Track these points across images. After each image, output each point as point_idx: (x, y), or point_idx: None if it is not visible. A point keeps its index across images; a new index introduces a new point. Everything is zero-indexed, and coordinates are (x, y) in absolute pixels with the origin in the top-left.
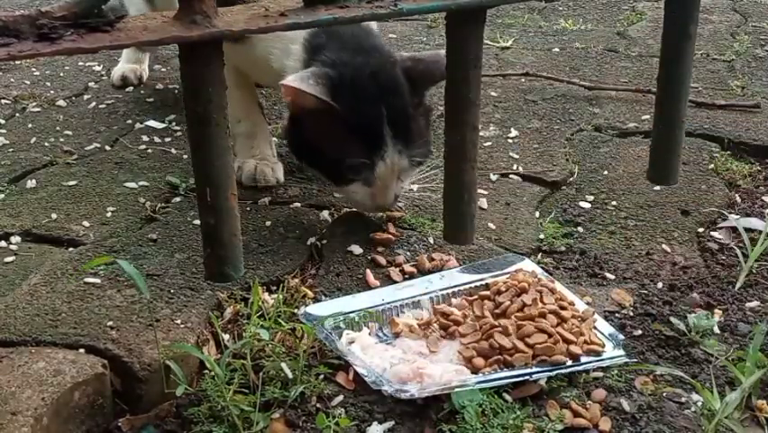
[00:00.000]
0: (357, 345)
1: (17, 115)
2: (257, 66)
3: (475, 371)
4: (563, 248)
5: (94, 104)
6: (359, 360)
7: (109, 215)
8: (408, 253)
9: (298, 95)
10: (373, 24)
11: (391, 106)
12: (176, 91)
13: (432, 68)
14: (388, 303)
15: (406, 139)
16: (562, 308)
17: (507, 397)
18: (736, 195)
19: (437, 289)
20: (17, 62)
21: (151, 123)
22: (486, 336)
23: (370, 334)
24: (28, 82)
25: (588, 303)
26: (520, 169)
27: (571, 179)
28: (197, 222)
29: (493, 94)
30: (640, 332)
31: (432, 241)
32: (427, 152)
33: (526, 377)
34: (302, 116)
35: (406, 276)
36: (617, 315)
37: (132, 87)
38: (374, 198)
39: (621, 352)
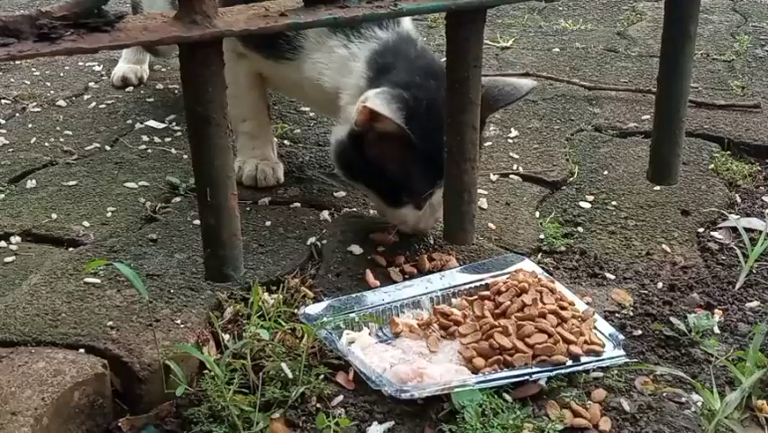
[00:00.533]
0: (357, 345)
1: (17, 115)
2: (301, 87)
3: (475, 371)
4: (563, 248)
5: (94, 104)
6: (359, 360)
7: (109, 215)
8: (408, 253)
9: (378, 117)
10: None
11: None
12: (176, 91)
13: (502, 94)
14: (388, 303)
15: None
16: (562, 308)
17: (507, 397)
18: (736, 195)
19: (437, 289)
20: (17, 62)
21: (151, 123)
22: (486, 336)
23: (370, 334)
24: (28, 82)
25: (588, 303)
26: (520, 169)
27: (571, 179)
28: (197, 222)
29: None
30: (640, 332)
31: (432, 241)
32: None
33: (526, 377)
34: (369, 136)
35: (406, 276)
36: (617, 315)
37: (132, 88)
38: (419, 222)
39: (621, 352)
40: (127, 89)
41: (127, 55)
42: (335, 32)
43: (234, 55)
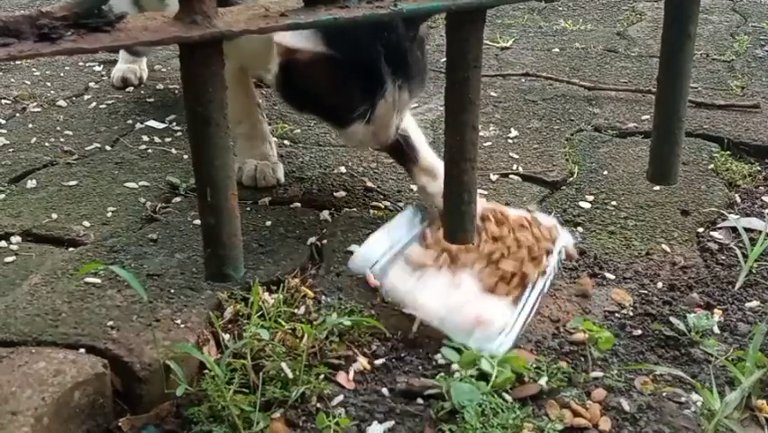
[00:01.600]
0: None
1: (17, 115)
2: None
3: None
4: None
5: (94, 104)
6: (426, 307)
7: (109, 215)
8: None
9: (293, 53)
10: None
11: (387, 43)
12: (176, 91)
13: None
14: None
15: (405, 74)
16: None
17: (507, 397)
18: (736, 195)
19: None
20: (17, 62)
21: (152, 123)
22: (492, 261)
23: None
24: (28, 82)
25: (587, 304)
26: (520, 169)
27: (570, 179)
28: (197, 222)
29: (493, 94)
30: (640, 332)
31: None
32: (423, 83)
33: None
34: (296, 66)
35: None
36: (616, 315)
37: (132, 88)
38: (376, 136)
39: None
40: (127, 89)
41: (123, 55)
42: None
43: None
